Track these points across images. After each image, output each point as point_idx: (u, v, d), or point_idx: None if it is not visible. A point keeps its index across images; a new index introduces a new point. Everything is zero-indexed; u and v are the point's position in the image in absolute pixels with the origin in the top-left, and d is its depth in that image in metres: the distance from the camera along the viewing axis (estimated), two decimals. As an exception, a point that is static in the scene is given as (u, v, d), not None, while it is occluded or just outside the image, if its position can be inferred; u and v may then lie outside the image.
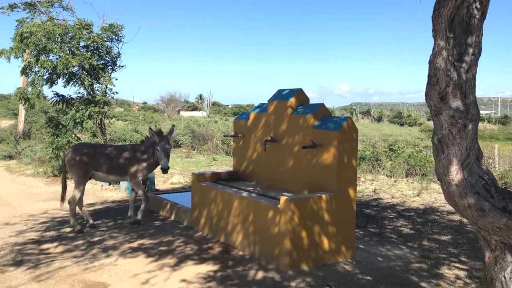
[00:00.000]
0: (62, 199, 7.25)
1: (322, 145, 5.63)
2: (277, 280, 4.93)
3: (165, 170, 6.84)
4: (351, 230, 5.75)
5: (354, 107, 73.93)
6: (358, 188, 10.34)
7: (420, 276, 5.16)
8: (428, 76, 3.26)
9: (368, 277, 5.06)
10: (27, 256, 5.65)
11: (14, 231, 6.81)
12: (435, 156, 3.31)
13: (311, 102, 6.48)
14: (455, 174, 3.10)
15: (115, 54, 11.97)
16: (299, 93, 6.37)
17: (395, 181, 11.87)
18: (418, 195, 10.00)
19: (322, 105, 6.07)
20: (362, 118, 55.93)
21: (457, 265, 5.57)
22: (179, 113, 55.84)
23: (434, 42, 3.18)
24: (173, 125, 7.53)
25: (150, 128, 7.08)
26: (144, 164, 7.12)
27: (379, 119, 54.28)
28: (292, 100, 6.28)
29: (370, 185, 11.33)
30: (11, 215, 7.86)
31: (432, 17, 3.19)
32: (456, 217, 7.95)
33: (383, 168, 13.14)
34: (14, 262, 5.44)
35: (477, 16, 3.05)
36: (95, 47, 11.52)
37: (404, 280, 5.00)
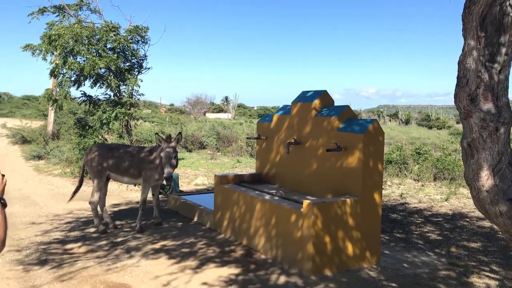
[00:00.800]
0: (73, 195, 7.40)
1: (347, 148, 5.52)
2: (300, 285, 4.84)
3: (166, 179, 6.37)
4: (376, 236, 5.61)
5: (382, 110, 72.96)
6: (384, 192, 10.14)
7: (448, 284, 4.98)
8: (458, 77, 3.13)
9: (394, 284, 4.92)
10: (51, 256, 5.72)
11: (40, 230, 6.91)
12: (464, 160, 3.18)
13: (337, 104, 6.36)
14: (486, 179, 2.96)
15: (141, 56, 12.10)
16: (323, 95, 6.26)
17: (422, 185, 11.61)
18: (446, 200, 9.74)
19: (347, 107, 5.96)
20: (390, 120, 55.12)
21: (487, 274, 5.37)
22: (205, 115, 56.14)
23: (464, 41, 3.06)
24: (180, 133, 6.79)
25: (156, 134, 6.72)
26: (154, 169, 6.88)
27: (407, 122, 53.39)
28: (316, 102, 6.18)
29: (396, 189, 11.10)
30: (38, 214, 7.98)
31: (462, 15, 3.07)
32: (487, 224, 7.69)
33: (411, 172, 12.86)
34: (39, 261, 5.50)
35: (511, 14, 2.91)
36: (121, 49, 11.66)
37: (431, 288, 4.84)
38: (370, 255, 5.54)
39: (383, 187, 5.95)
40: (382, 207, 5.80)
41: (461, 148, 3.21)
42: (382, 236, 6.65)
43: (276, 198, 6.02)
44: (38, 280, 4.92)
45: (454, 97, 3.16)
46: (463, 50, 3.09)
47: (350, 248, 5.36)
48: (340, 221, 5.26)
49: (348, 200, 5.30)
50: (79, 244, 6.23)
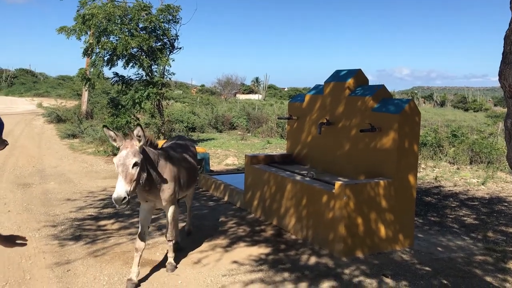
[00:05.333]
0: None
1: (381, 128, 5.37)
2: (331, 267, 4.79)
3: (114, 200, 3.70)
4: (410, 218, 5.48)
5: (416, 91, 71.30)
6: (418, 175, 9.89)
7: (484, 269, 4.83)
8: (503, 53, 2.96)
9: (427, 268, 4.80)
10: (85, 232, 5.83)
11: (75, 207, 7.05)
12: (507, 141, 3.02)
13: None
14: (532, 161, 2.80)
15: (172, 36, 12.10)
16: (357, 74, 6.10)
17: (458, 169, 11.29)
18: (483, 184, 9.45)
19: (382, 86, 5.78)
20: (424, 102, 53.82)
21: (526, 260, 5.18)
22: (235, 95, 56.12)
23: (512, 14, 2.87)
24: (138, 124, 4.08)
25: (104, 126, 4.15)
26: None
27: (442, 104, 52.01)
28: (350, 81, 6.02)
29: (431, 172, 10.84)
30: (72, 191, 8.15)
31: (510, -14, 2.87)
32: (526, 209, 7.43)
33: (446, 155, 12.53)
34: (73, 237, 5.62)
35: None
36: (153, 29, 11.68)
37: (466, 273, 4.70)
38: (403, 238, 5.42)
39: (417, 169, 5.77)
40: (416, 190, 5.65)
41: (498, 130, 3.05)
42: (416, 219, 6.50)
43: (307, 178, 5.95)
44: (73, 254, 5.02)
45: (499, 74, 2.99)
46: (510, 25, 2.90)
47: (382, 230, 5.26)
48: (373, 203, 5.15)
49: (381, 182, 5.18)
50: (112, 220, 6.33)
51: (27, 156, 11.98)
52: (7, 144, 2.04)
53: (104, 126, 4.20)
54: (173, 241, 4.73)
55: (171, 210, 4.61)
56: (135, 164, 3.83)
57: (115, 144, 4.00)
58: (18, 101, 36.82)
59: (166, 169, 4.46)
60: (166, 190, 4.45)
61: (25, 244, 2.23)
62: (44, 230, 5.86)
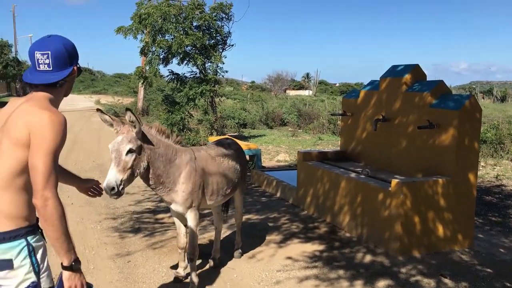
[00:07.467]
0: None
1: (440, 125, 5.22)
2: (386, 265, 4.72)
3: (105, 190, 3.26)
4: (470, 218, 5.30)
5: (474, 86, 68.34)
6: (478, 173, 9.55)
7: (551, 273, 4.61)
8: None
9: (488, 270, 4.63)
10: (144, 224, 6.04)
11: (133, 200, 7.32)
12: None
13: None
14: None
15: (225, 33, 12.27)
16: (415, 69, 5.95)
17: (520, 167, 10.78)
18: (548, 184, 8.98)
19: (441, 82, 5.61)
20: (483, 98, 51.50)
21: None
22: (285, 92, 56.04)
23: None
24: (128, 109, 3.48)
25: (98, 110, 3.67)
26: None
27: (503, 99, 49.59)
28: (407, 77, 5.88)
29: (491, 170, 10.41)
30: (130, 185, 8.40)
31: None
32: None
33: (507, 152, 11.99)
34: (133, 229, 5.84)
35: None
36: (206, 27, 11.90)
37: (531, 277, 4.50)
38: (462, 238, 5.25)
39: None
40: (476, 189, 5.45)
41: None
42: (475, 219, 6.27)
43: (362, 176, 5.88)
44: (133, 246, 5.23)
45: None
46: None
47: (440, 230, 5.12)
48: (431, 201, 5.03)
49: (440, 180, 5.04)
50: (169, 214, 6.51)
51: (87, 151, 12.51)
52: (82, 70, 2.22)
53: (98, 109, 3.62)
54: (194, 260, 4.04)
55: (189, 216, 3.99)
56: (129, 151, 3.42)
57: (112, 129, 3.56)
58: (78, 99, 38.41)
59: (185, 169, 3.89)
60: (180, 192, 3.87)
61: (98, 195, 2.49)
62: (105, 223, 6.13)
